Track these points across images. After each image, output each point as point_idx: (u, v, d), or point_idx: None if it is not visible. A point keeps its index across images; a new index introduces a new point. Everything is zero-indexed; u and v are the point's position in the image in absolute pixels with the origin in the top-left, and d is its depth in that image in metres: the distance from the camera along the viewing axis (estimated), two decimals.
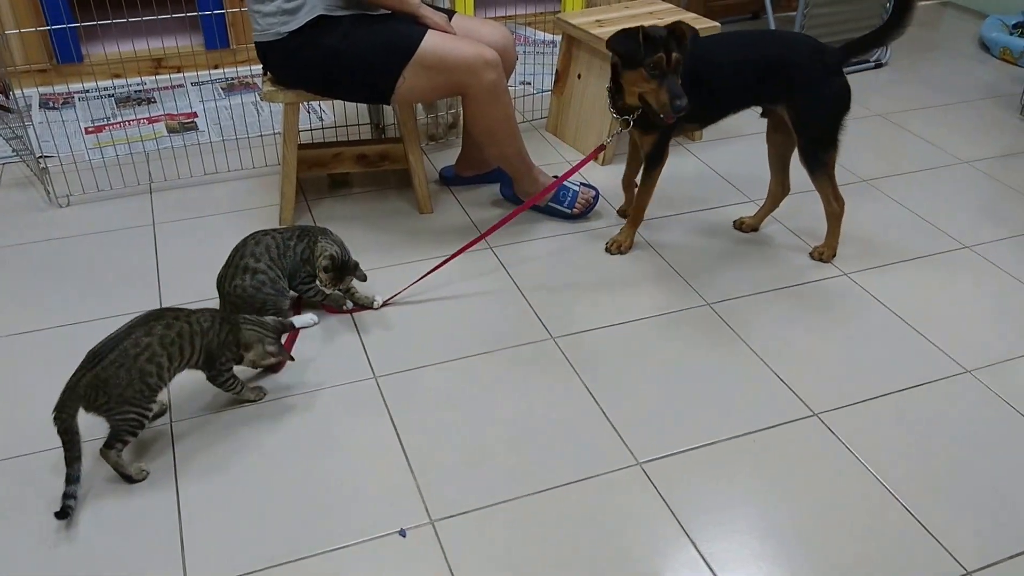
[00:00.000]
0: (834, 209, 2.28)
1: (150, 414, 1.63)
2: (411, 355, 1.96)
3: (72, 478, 1.56)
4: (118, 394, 1.56)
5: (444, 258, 2.17)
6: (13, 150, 2.78)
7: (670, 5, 2.96)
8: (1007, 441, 1.76)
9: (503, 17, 3.67)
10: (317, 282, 2.03)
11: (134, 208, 2.52)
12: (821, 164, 2.20)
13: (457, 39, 2.20)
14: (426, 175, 2.50)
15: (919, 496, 1.63)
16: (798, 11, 3.38)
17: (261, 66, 2.32)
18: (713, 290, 2.20)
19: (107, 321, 2.04)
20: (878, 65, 3.64)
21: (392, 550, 1.51)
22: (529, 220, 2.49)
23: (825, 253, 2.32)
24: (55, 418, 1.54)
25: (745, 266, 2.31)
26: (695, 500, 1.61)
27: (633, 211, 2.34)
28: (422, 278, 2.14)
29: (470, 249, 2.25)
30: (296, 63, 2.19)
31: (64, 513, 1.54)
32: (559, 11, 3.88)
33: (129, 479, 1.62)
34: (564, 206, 2.49)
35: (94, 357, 1.57)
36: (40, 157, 2.56)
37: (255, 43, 2.24)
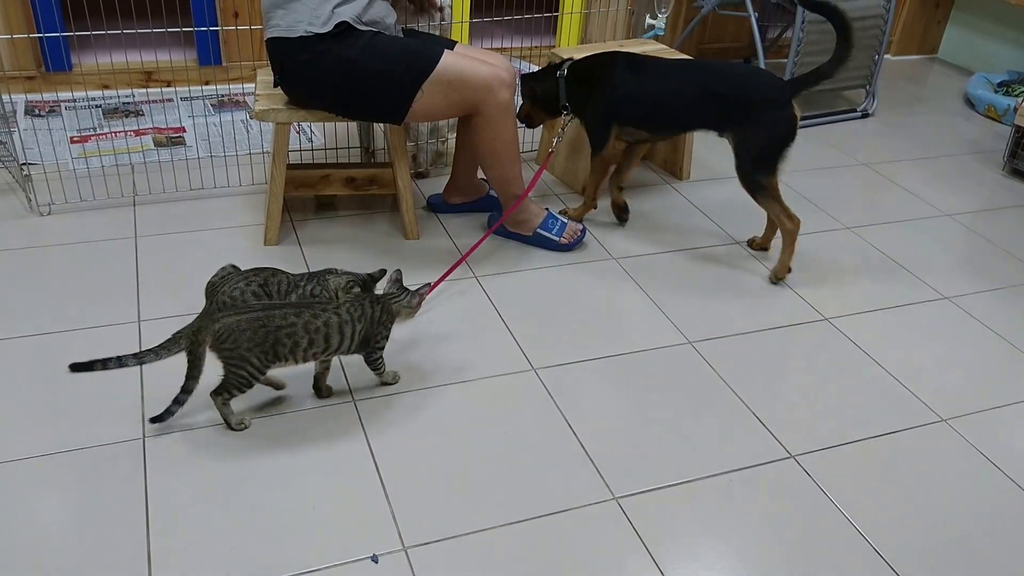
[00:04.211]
0: (788, 227, 2.33)
1: (261, 379, 1.71)
2: None
3: (185, 389, 1.69)
4: (245, 348, 1.65)
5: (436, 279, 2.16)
6: None
7: (662, 46, 3.00)
8: (979, 490, 1.77)
9: (498, 49, 3.70)
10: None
11: (117, 220, 2.50)
12: (760, 187, 2.31)
13: (472, 59, 2.25)
14: (414, 200, 2.49)
15: (891, 543, 1.62)
16: (789, 58, 3.44)
17: (253, 85, 2.31)
18: (695, 329, 2.20)
19: (83, 332, 2.01)
20: (864, 115, 3.70)
21: None
22: (515, 250, 2.49)
23: (779, 271, 2.36)
24: (188, 338, 1.66)
25: (727, 305, 2.31)
26: (670, 537, 1.60)
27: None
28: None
29: (454, 278, 2.24)
30: (315, 70, 2.17)
31: (161, 418, 1.70)
32: (553, 46, 3.93)
33: (229, 427, 1.74)
34: (553, 233, 2.49)
35: (233, 303, 1.75)
36: (23, 164, 2.54)
37: (270, 42, 2.19)
